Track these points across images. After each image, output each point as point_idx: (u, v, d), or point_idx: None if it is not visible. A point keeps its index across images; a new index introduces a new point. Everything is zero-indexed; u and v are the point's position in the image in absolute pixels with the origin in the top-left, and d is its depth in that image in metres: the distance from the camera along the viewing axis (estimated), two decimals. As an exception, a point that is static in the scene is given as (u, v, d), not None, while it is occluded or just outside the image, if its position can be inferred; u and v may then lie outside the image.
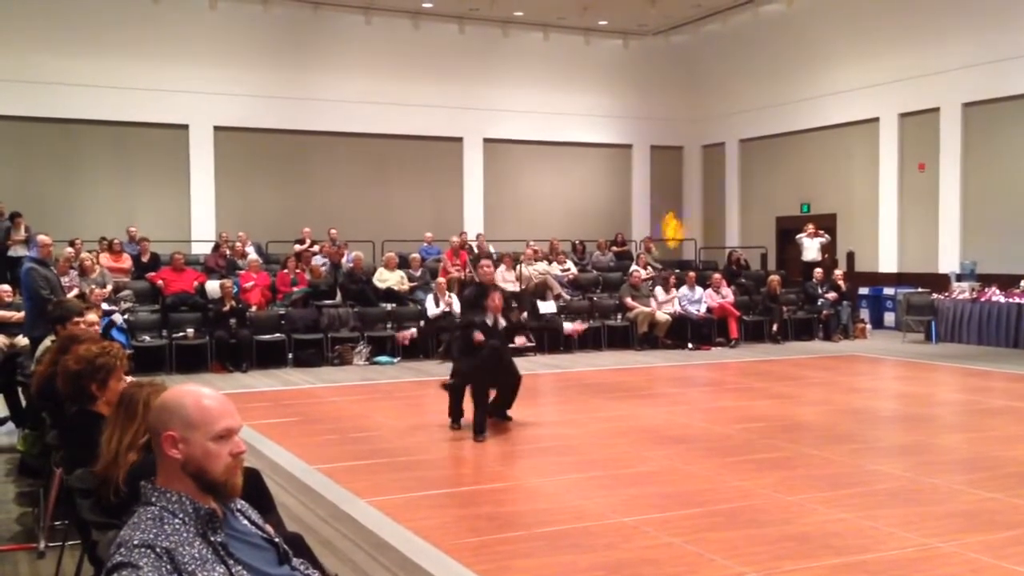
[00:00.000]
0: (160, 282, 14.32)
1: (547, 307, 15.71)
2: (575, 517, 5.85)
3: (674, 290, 16.29)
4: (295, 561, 2.60)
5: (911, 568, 4.82)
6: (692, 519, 5.78)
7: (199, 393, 2.36)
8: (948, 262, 17.55)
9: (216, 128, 19.30)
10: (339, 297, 14.90)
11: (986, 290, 15.74)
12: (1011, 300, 15.16)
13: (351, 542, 5.40)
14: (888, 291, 18.13)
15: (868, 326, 17.66)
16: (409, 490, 6.54)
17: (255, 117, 19.46)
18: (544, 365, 13.89)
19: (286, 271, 15.02)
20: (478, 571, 4.83)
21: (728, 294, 16.59)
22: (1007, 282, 15.65)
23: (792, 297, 17.43)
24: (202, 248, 17.77)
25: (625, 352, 15.38)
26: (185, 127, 19.10)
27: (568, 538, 5.44)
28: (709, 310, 16.22)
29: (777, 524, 5.63)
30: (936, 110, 17.84)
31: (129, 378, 4.41)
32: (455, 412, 8.84)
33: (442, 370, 13.26)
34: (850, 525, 5.56)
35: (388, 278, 15.49)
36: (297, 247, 16.70)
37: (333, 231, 17.68)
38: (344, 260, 16.15)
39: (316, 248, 16.75)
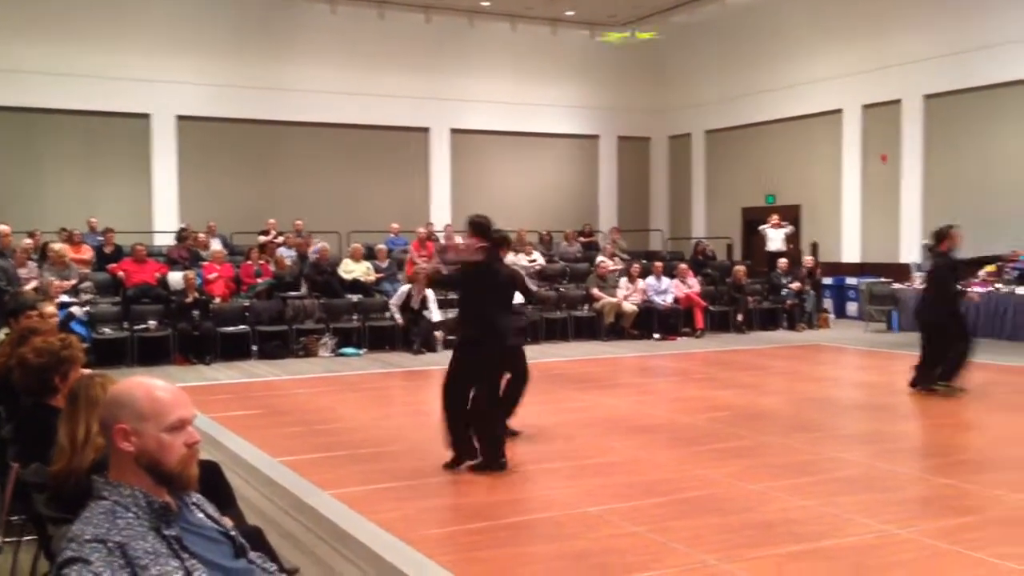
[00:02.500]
0: (121, 273, 14.13)
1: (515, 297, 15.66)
2: (540, 507, 5.87)
3: (639, 280, 16.35)
4: (252, 555, 2.59)
5: (869, 554, 4.88)
6: (656, 508, 5.82)
7: (150, 384, 2.33)
8: (909, 252, 17.77)
9: (179, 117, 19.06)
10: (304, 288, 14.80)
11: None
12: (971, 289, 15.34)
13: (314, 534, 5.37)
14: (851, 281, 18.33)
15: (831, 315, 17.85)
16: (373, 482, 6.52)
17: (219, 107, 19.25)
18: (511, 356, 13.87)
19: (250, 262, 14.89)
20: (442, 562, 4.83)
21: (694, 284, 16.68)
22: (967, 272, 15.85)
23: (757, 287, 17.58)
24: (165, 239, 17.57)
25: (592, 342, 15.43)
26: (147, 116, 18.86)
27: (533, 528, 5.46)
28: (675, 300, 16.30)
29: (739, 512, 5.68)
30: (898, 102, 18.03)
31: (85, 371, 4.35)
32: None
33: (413, 362, 13.26)
34: (811, 512, 5.63)
35: (354, 269, 15.41)
36: (262, 238, 16.56)
37: (298, 222, 17.56)
38: (310, 251, 16.04)
39: (281, 239, 16.61)
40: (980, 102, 16.68)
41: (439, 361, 13.22)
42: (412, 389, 11.37)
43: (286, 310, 14.11)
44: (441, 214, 20.71)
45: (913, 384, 9.93)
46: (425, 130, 21.23)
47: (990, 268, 15.28)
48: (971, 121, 16.87)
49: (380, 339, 14.52)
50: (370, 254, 16.19)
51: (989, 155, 16.61)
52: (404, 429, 8.54)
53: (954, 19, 16.92)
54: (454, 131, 21.46)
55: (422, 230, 17.22)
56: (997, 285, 14.91)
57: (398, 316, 14.38)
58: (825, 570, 4.66)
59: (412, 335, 14.06)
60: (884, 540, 5.11)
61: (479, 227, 6.94)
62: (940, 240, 10.11)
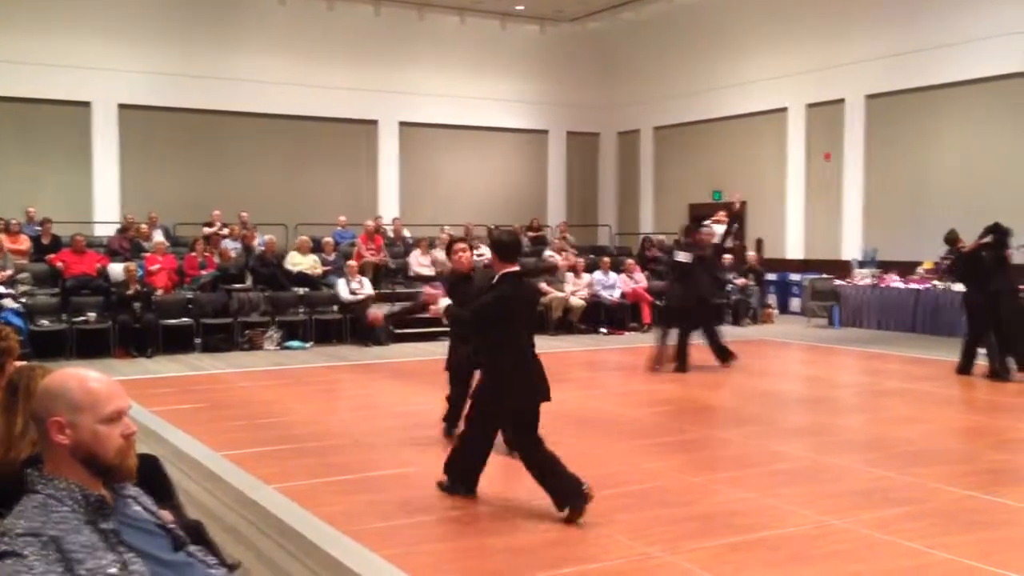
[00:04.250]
0: (60, 264, 13.83)
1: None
2: (486, 501, 5.87)
3: (586, 275, 16.44)
4: (191, 548, 2.55)
5: (808, 544, 4.97)
6: (601, 501, 5.84)
7: (84, 376, 2.28)
8: (851, 249, 18.11)
9: (121, 106, 18.67)
10: (249, 281, 14.63)
11: (885, 276, 16.30)
12: (909, 286, 15.73)
13: (256, 529, 5.32)
14: (794, 277, 18.63)
15: (775, 311, 18.13)
16: (318, 476, 6.47)
17: (162, 96, 18.90)
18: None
19: (195, 254, 14.67)
20: (385, 555, 4.81)
21: (641, 279, 16.82)
22: (905, 269, 16.22)
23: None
24: (105, 230, 17.22)
25: (539, 337, 15.42)
26: (87, 104, 18.45)
27: (478, 522, 5.46)
28: (623, 295, 16.42)
29: (683, 504, 5.74)
30: (841, 101, 18.35)
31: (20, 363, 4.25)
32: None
33: (360, 356, 13.18)
34: (752, 504, 5.71)
35: (301, 262, 15.26)
36: (206, 230, 16.31)
37: (244, 214, 17.33)
38: (256, 243, 15.85)
39: (226, 231, 16.38)
40: (920, 103, 17.04)
41: (385, 355, 13.19)
42: (359, 383, 11.30)
43: (231, 303, 13.93)
44: (389, 207, 20.59)
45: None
46: (373, 123, 21.09)
47: (928, 265, 15.64)
48: (911, 121, 17.23)
49: (326, 332, 14.41)
50: (317, 247, 16.04)
51: (928, 154, 16.99)
52: (350, 423, 8.49)
53: (896, 21, 17.25)
54: (403, 124, 21.34)
55: (370, 223, 17.11)
56: (935, 282, 15.26)
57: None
58: (765, 560, 4.73)
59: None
60: (823, 531, 5.20)
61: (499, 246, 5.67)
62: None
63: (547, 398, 5.61)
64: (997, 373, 10.49)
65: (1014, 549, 4.93)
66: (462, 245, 7.09)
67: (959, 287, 12.60)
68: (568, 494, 5.34)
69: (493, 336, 5.59)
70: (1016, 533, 5.23)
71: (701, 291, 11.51)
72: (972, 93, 16.19)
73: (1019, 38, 15.19)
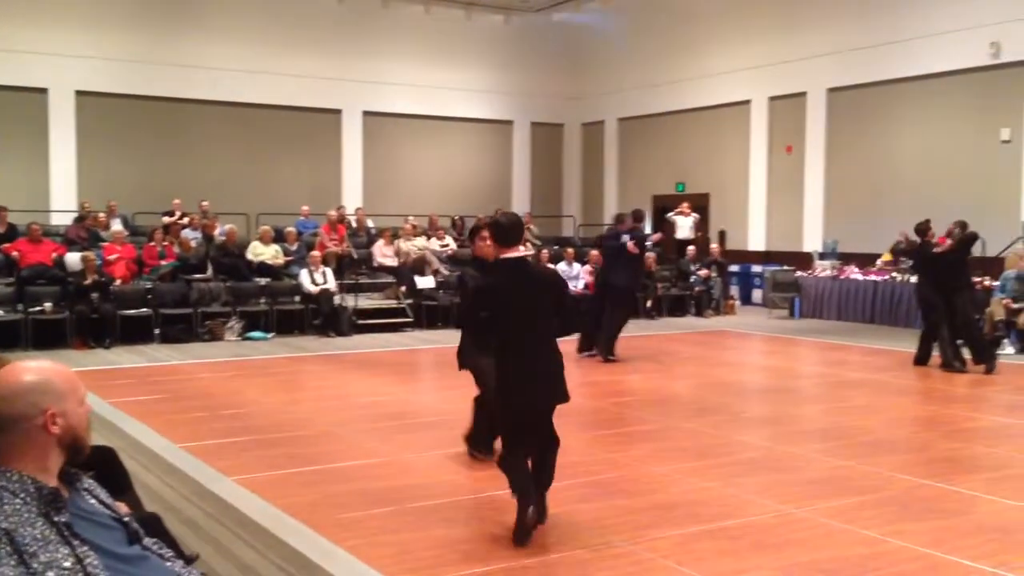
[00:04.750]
0: (15, 254, 13.58)
1: (425, 282, 15.65)
2: (448, 491, 5.86)
3: (549, 266, 16.44)
4: (148, 541, 2.52)
5: (768, 533, 5.02)
6: (564, 491, 5.86)
7: (49, 366, 2.33)
8: (812, 241, 18.30)
9: (78, 93, 18.36)
10: (210, 271, 14.47)
11: (845, 268, 16.50)
12: (868, 278, 15.93)
13: (216, 521, 5.27)
14: (756, 268, 18.79)
15: (737, 302, 18.29)
16: (280, 467, 6.42)
17: (121, 82, 18.61)
18: (423, 341, 13.84)
19: (154, 244, 14.47)
20: (347, 547, 4.79)
21: (605, 271, 16.85)
22: (865, 261, 16.43)
23: (666, 274, 17.87)
24: (62, 219, 16.94)
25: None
26: (44, 91, 18.11)
27: (440, 512, 5.45)
28: (586, 286, 16.45)
29: (645, 494, 5.77)
30: (803, 95, 18.52)
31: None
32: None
33: (322, 346, 13.10)
34: (713, 494, 5.76)
35: (263, 252, 15.12)
36: (166, 219, 16.09)
37: (205, 203, 17.13)
38: (216, 233, 15.68)
39: (186, 220, 16.18)
40: (879, 97, 17.24)
41: (348, 345, 13.12)
42: (322, 374, 11.22)
43: (191, 293, 13.78)
44: (353, 197, 20.47)
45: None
46: (337, 112, 20.93)
47: (887, 257, 15.85)
48: (871, 115, 17.43)
49: (289, 323, 14.30)
50: (279, 237, 15.91)
51: (888, 148, 17.20)
52: (312, 414, 8.43)
53: (856, 16, 17.43)
54: (367, 113, 21.20)
55: (333, 213, 16.99)
56: (894, 274, 15.47)
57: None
58: (726, 549, 4.77)
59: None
60: (782, 519, 5.26)
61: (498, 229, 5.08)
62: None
63: (549, 403, 5.05)
64: (951, 364, 10.66)
65: (965, 536, 5.02)
66: (487, 232, 5.89)
67: (915, 279, 12.80)
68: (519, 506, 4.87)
69: (491, 332, 5.06)
70: (967, 521, 5.33)
71: (621, 279, 11.72)
72: (931, 87, 16.41)
73: (977, 33, 15.41)
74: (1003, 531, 5.18)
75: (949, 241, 11.09)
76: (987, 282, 13.23)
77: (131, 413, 8.16)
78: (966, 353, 10.78)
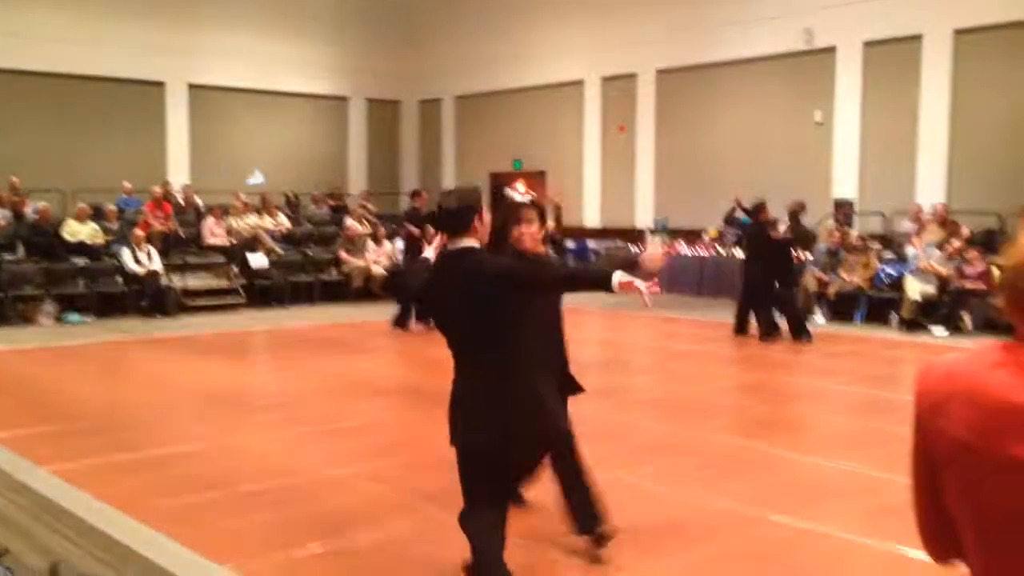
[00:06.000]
0: None
1: (258, 261, 15.20)
2: (281, 474, 5.72)
3: (387, 243, 16.31)
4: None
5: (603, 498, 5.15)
6: (399, 467, 5.85)
7: None
8: (644, 218, 18.88)
9: None
10: (21, 251, 13.54)
11: (675, 243, 17.12)
12: (696, 252, 16.59)
13: (28, 513, 4.95)
14: (592, 244, 19.23)
15: (573, 278, 18.63)
16: (100, 456, 6.09)
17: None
18: (256, 321, 13.45)
19: (-43, 222, 13.43)
20: (174, 534, 4.59)
21: (443, 248, 16.83)
22: (692, 236, 17.10)
23: (503, 251, 18.00)
24: None
25: (340, 306, 15.22)
26: None
27: (273, 495, 5.31)
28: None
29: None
30: (634, 75, 19.02)
31: None
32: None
33: (146, 329, 12.49)
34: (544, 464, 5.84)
35: (79, 231, 14.27)
36: (-30, 196, 14.95)
37: (14, 179, 15.98)
38: (28, 211, 14.68)
39: (-6, 198, 15.08)
40: (705, 79, 17.91)
41: (174, 327, 12.58)
42: (146, 358, 10.71)
43: (0, 274, 12.86)
44: (180, 173, 19.58)
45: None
46: (160, 84, 19.93)
47: (713, 233, 16.54)
48: (697, 95, 18.09)
49: (111, 305, 13.58)
50: (99, 215, 15.06)
51: (712, 128, 17.90)
52: (136, 400, 8.04)
53: (685, 0, 18.02)
54: (193, 86, 20.30)
55: (157, 189, 16.22)
56: (719, 248, 16.17)
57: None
58: (554, 517, 4.86)
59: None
60: (613, 485, 5.35)
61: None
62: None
63: (495, 448, 3.62)
64: (768, 334, 11.25)
65: (777, 492, 5.31)
66: (530, 213, 4.41)
67: (740, 254, 13.40)
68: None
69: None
70: (779, 478, 5.64)
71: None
72: (751, 70, 17.16)
73: (793, 20, 16.21)
74: (806, 486, 5.53)
75: (783, 228, 11.60)
76: (802, 256, 14.01)
77: (-70, 404, 7.57)
78: (783, 322, 11.38)
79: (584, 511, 4.40)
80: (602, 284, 3.36)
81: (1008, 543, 1.29)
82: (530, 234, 4.29)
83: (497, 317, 3.53)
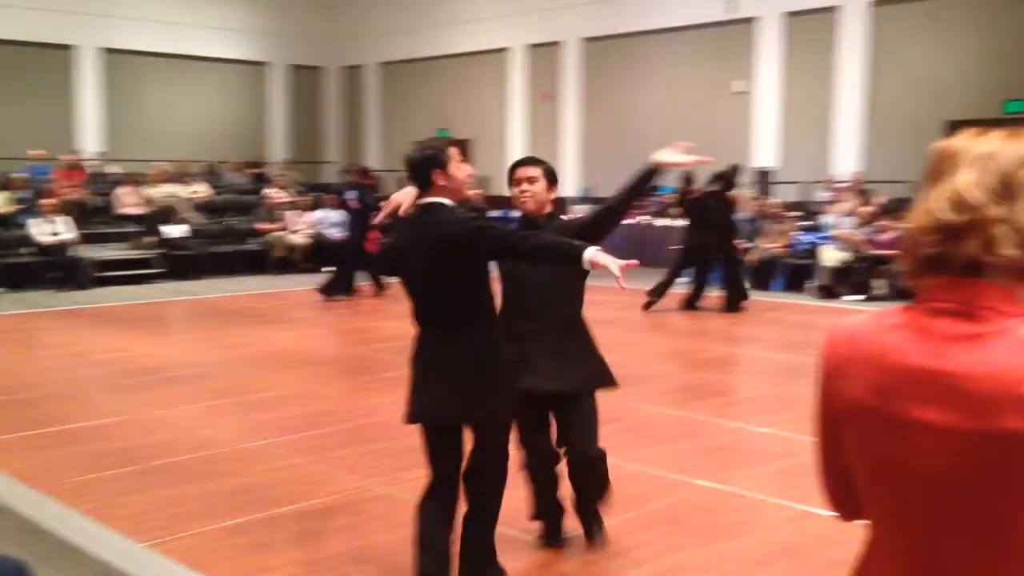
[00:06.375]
0: None
1: (175, 231, 14.82)
2: (196, 447, 5.60)
3: (309, 214, 16.05)
4: None
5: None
6: (319, 439, 5.78)
7: None
8: (570, 186, 18.92)
9: None
10: (-77, 221, 12.98)
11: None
12: (623, 221, 16.66)
13: (-72, 494, 4.76)
14: (516, 214, 19.16)
15: (498, 247, 18.63)
16: (7, 431, 5.90)
17: None
18: (173, 292, 13.14)
19: None
20: (83, 510, 4.48)
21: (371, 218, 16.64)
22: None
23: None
24: None
25: (260, 277, 14.95)
26: None
27: (187, 468, 5.21)
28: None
29: (401, 437, 5.70)
30: (559, 43, 18.97)
31: None
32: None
33: (59, 301, 12.09)
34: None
35: (-15, 200, 13.73)
36: None
37: (-86, 146, 15.29)
38: (-71, 179, 14.06)
39: None
40: (629, 47, 17.96)
41: (87, 300, 12.21)
42: (57, 330, 10.38)
43: (-100, 246, 12.31)
44: (92, 141, 18.94)
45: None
46: (68, 48, 19.17)
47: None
48: (623, 64, 18.13)
49: (20, 277, 13.10)
50: (6, 184, 14.49)
51: (638, 97, 17.99)
52: (45, 373, 7.79)
53: (607, -33, 18.01)
54: (105, 51, 19.58)
55: (67, 157, 15.67)
56: (648, 218, 16.32)
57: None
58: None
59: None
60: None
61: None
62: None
63: (448, 417, 3.49)
64: (691, 302, 11.34)
65: (693, 456, 5.41)
66: (533, 171, 4.23)
67: (680, 223, 13.38)
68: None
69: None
70: (696, 443, 5.73)
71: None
72: (673, 40, 17.26)
73: (715, -10, 16.35)
74: (725, 449, 5.63)
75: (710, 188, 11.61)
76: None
77: None
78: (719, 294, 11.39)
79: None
80: (573, 259, 3.26)
81: (901, 501, 1.32)
82: (532, 194, 4.08)
83: (457, 280, 3.38)
